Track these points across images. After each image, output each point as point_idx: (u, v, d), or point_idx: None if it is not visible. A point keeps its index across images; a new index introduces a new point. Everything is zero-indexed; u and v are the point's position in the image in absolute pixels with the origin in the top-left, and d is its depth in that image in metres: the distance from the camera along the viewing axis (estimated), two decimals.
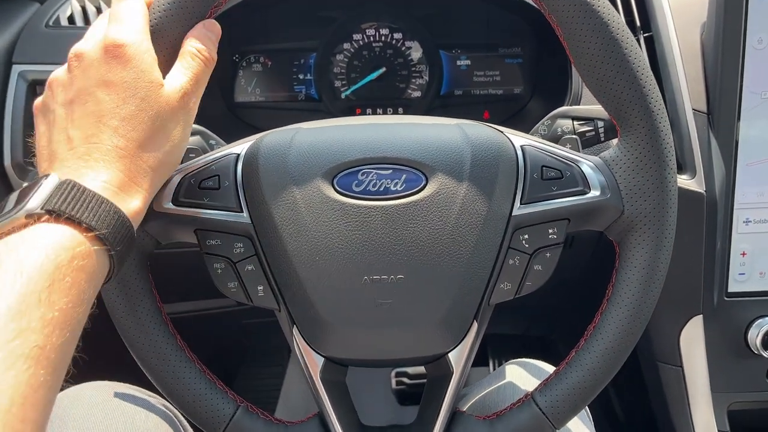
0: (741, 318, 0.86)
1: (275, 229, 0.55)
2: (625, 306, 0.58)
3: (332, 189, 0.55)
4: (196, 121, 0.87)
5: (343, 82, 1.04)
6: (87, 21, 0.95)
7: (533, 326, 1.47)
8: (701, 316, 0.88)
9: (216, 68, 1.02)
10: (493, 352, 1.54)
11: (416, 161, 0.56)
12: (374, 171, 0.56)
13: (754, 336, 0.86)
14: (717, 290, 0.86)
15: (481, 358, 1.53)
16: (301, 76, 1.05)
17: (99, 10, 0.96)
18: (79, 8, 0.97)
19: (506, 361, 0.85)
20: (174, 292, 0.70)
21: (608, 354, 0.58)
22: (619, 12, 0.91)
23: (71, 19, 0.96)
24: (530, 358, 0.88)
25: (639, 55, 0.56)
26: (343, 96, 1.04)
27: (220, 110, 1.03)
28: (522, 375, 0.80)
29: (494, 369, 1.47)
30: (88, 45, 0.53)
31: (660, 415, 0.98)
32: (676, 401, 0.92)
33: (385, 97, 1.04)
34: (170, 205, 0.57)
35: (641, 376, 1.04)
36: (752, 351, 0.87)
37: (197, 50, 0.56)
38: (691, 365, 0.89)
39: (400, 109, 1.04)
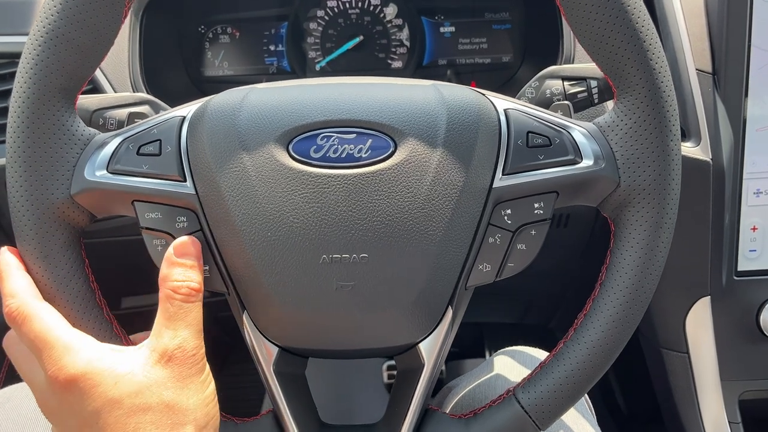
0: (752, 299, 0.82)
1: (222, 200, 0.50)
2: (620, 292, 0.53)
3: (287, 155, 0.50)
4: (156, 95, 0.82)
5: (318, 53, 0.98)
6: None
7: (530, 314, 1.42)
8: (709, 297, 0.83)
9: (181, 41, 0.97)
10: (489, 341, 1.49)
11: (384, 124, 0.50)
12: (335, 135, 0.50)
13: (767, 318, 0.82)
14: (726, 269, 0.81)
15: (477, 348, 1.48)
16: (272, 48, 0.98)
17: None
18: None
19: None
20: (145, 283, 0.64)
21: (600, 346, 0.53)
22: None
23: None
24: (527, 346, 0.82)
25: (639, 4, 0.51)
26: (317, 67, 0.99)
27: (184, 85, 0.96)
28: (512, 366, 0.74)
29: None
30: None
31: (666, 406, 0.94)
32: (682, 391, 0.88)
33: (363, 69, 0.98)
34: (104, 173, 0.51)
35: (645, 365, 1.00)
36: (765, 335, 0.83)
37: (173, 289, 0.50)
38: (698, 352, 0.86)
39: None
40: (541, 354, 0.78)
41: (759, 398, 0.87)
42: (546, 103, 0.65)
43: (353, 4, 0.97)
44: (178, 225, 0.51)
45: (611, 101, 0.57)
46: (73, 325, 0.51)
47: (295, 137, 0.50)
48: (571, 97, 0.65)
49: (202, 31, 0.97)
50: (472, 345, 1.48)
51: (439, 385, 0.90)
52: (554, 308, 1.34)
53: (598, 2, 0.50)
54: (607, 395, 1.30)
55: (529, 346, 0.85)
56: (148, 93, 0.82)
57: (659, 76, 0.51)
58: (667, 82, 0.52)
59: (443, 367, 1.40)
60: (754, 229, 0.79)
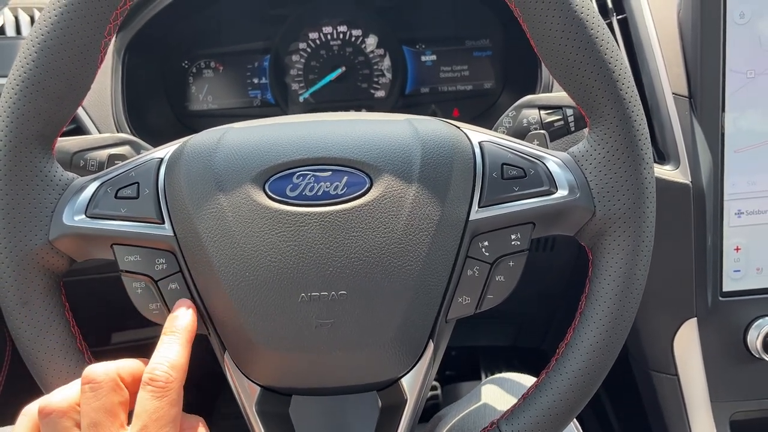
0: (739, 319, 0.81)
1: (200, 242, 0.50)
2: (600, 321, 0.53)
3: (263, 194, 0.50)
4: (140, 132, 0.82)
5: (301, 85, 0.98)
6: (18, 31, 0.89)
7: (523, 336, 1.41)
8: (695, 319, 0.82)
9: (164, 77, 0.97)
10: (485, 365, 1.47)
11: (359, 161, 0.50)
12: (311, 173, 0.50)
13: (754, 338, 0.81)
14: (711, 290, 0.80)
15: (473, 372, 1.47)
16: (255, 81, 0.98)
17: (33, 20, 0.90)
18: (12, 18, 0.91)
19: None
20: (134, 318, 0.64)
21: (581, 376, 0.52)
22: None
23: (1, 30, 0.89)
24: (523, 371, 0.82)
25: (606, 34, 0.51)
26: (301, 99, 0.98)
27: (169, 121, 0.96)
28: (500, 395, 0.73)
29: None
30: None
31: (657, 428, 0.92)
32: (673, 413, 0.87)
33: (346, 99, 0.98)
34: (83, 218, 0.51)
35: (637, 387, 0.98)
36: (753, 355, 0.82)
37: (151, 379, 0.47)
38: (687, 373, 0.85)
39: (363, 111, 0.98)
40: (529, 381, 0.78)
41: (750, 418, 0.86)
42: (523, 132, 0.65)
43: (335, 36, 0.97)
44: (157, 267, 0.51)
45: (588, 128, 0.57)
46: (53, 372, 0.51)
47: (271, 176, 0.50)
48: (547, 126, 0.65)
49: (186, 66, 0.98)
50: (468, 368, 1.47)
51: (436, 410, 0.89)
52: (545, 330, 1.33)
53: (567, 33, 0.50)
54: (600, 417, 1.28)
55: (524, 368, 0.84)
56: (132, 131, 0.83)
57: (630, 105, 0.52)
58: (637, 111, 0.52)
59: (439, 392, 1.39)
60: (737, 249, 0.79)
